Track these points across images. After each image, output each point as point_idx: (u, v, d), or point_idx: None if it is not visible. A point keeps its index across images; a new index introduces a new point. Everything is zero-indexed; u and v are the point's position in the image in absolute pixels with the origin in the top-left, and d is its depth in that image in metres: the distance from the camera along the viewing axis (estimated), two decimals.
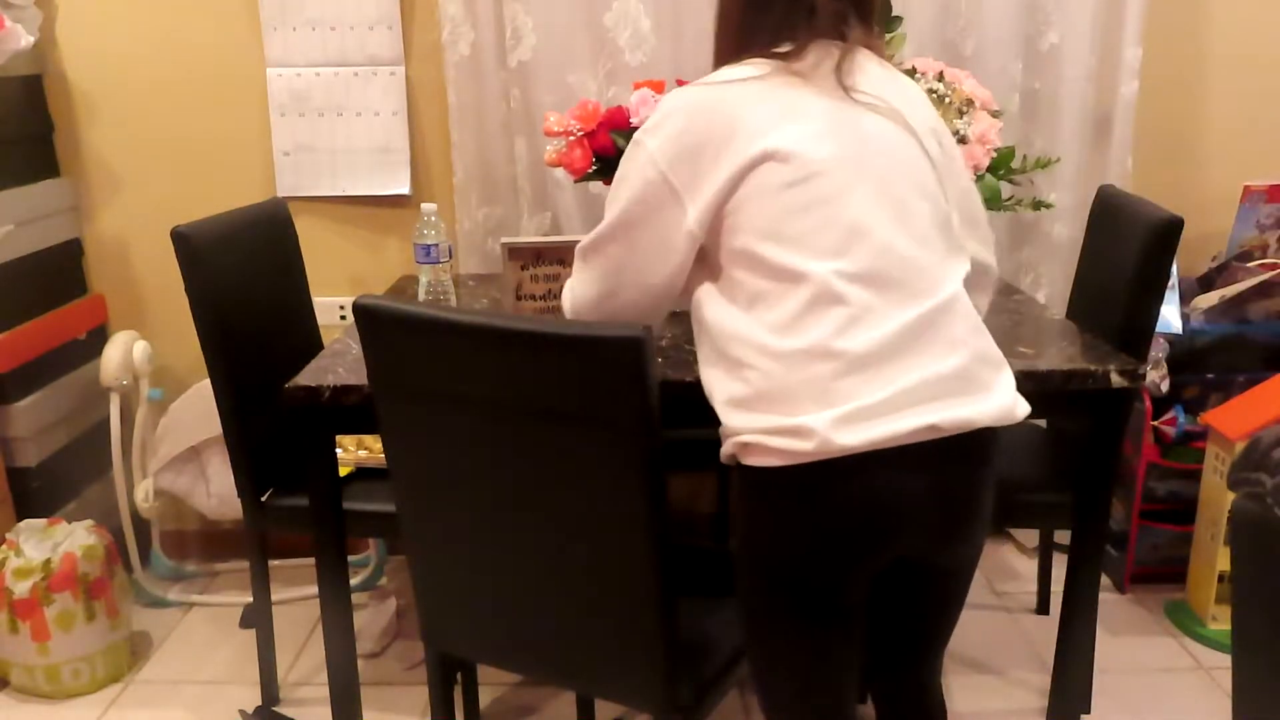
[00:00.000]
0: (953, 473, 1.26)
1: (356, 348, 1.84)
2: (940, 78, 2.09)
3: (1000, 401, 1.26)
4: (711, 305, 1.28)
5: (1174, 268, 2.27)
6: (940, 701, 1.52)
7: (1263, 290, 2.40)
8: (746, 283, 1.24)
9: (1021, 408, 1.29)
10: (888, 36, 2.06)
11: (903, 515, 1.25)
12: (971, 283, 1.33)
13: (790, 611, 1.31)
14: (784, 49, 1.27)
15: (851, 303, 1.20)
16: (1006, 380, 1.29)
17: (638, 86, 1.98)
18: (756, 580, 1.32)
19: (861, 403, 1.19)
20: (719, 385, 1.27)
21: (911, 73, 1.96)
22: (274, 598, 2.25)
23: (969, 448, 1.25)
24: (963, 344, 1.24)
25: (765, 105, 1.24)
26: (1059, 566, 2.03)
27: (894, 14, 2.11)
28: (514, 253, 1.95)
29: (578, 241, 1.97)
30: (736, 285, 1.25)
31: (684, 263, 1.29)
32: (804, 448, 1.19)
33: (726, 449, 1.28)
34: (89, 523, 2.29)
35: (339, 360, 1.80)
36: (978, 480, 1.29)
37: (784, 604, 1.31)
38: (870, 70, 1.29)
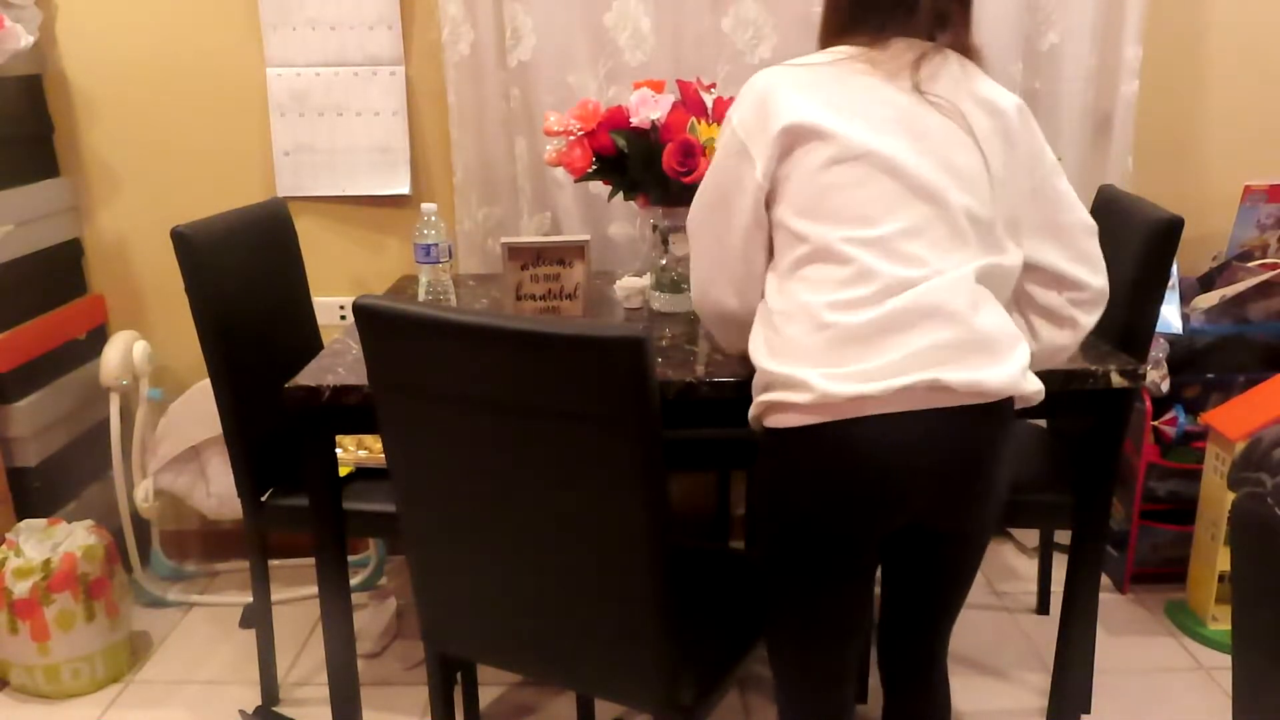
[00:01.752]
0: (963, 441, 1.31)
1: (356, 348, 1.84)
2: None
3: (1009, 371, 1.31)
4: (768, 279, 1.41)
5: (1174, 268, 2.27)
6: (945, 680, 1.56)
7: (1263, 290, 2.40)
8: (783, 251, 1.36)
9: (1032, 383, 1.35)
10: None
11: (911, 480, 1.31)
12: (1028, 285, 1.45)
13: (800, 569, 1.39)
14: (877, 40, 1.36)
15: (856, 265, 1.29)
16: (1018, 355, 1.33)
17: (638, 86, 1.98)
18: (771, 537, 1.40)
19: (864, 366, 1.27)
20: (753, 346, 1.38)
21: None
22: (274, 598, 2.25)
23: (980, 417, 1.31)
24: (964, 319, 1.29)
25: (827, 92, 1.34)
26: (1059, 567, 2.03)
27: None
28: (514, 253, 1.95)
29: (578, 241, 1.98)
30: (777, 254, 1.38)
31: (756, 218, 1.38)
32: (801, 400, 1.28)
33: (752, 412, 1.39)
34: (89, 523, 2.29)
35: (339, 360, 1.80)
36: (989, 450, 1.34)
37: (794, 561, 1.39)
38: (948, 72, 1.36)
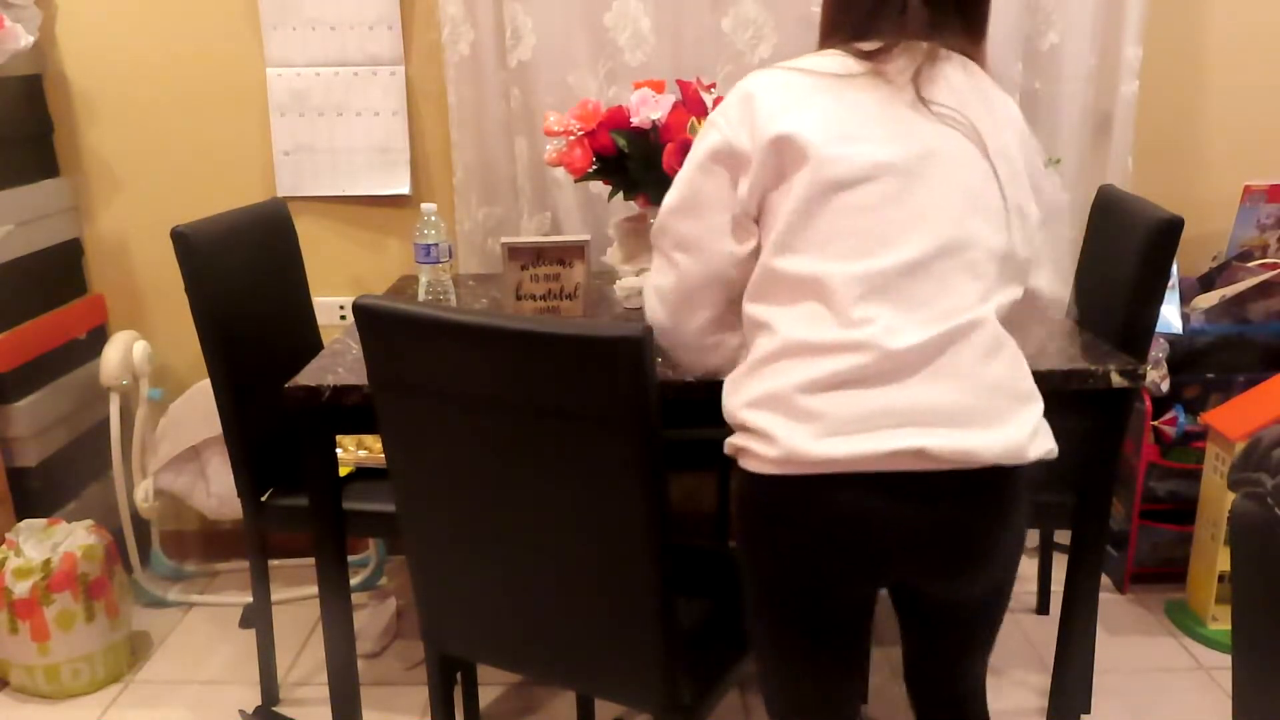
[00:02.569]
0: (953, 509, 1.19)
1: (356, 348, 1.84)
2: None
3: (1012, 436, 1.18)
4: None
5: (1174, 268, 2.27)
6: (981, 712, 1.46)
7: (1263, 290, 2.40)
8: (762, 288, 1.25)
9: (1037, 447, 1.21)
10: None
11: (890, 545, 1.21)
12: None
13: (779, 619, 1.31)
14: (870, 46, 1.24)
15: (853, 316, 1.17)
16: (1028, 416, 1.21)
17: (638, 86, 1.98)
18: (750, 582, 1.33)
19: (838, 416, 1.16)
20: (732, 392, 1.27)
21: None
22: (274, 598, 2.25)
23: (975, 484, 1.18)
24: (970, 375, 1.18)
25: (824, 107, 1.21)
26: (1059, 567, 2.03)
27: None
28: (514, 253, 1.95)
29: (578, 241, 1.97)
30: (754, 286, 1.26)
31: (737, 237, 1.26)
32: (770, 454, 1.18)
33: (726, 449, 1.29)
34: (89, 523, 2.29)
35: (339, 360, 1.80)
36: (986, 520, 1.21)
37: (772, 611, 1.31)
38: (953, 80, 1.24)
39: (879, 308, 1.17)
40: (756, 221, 1.26)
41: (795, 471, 1.17)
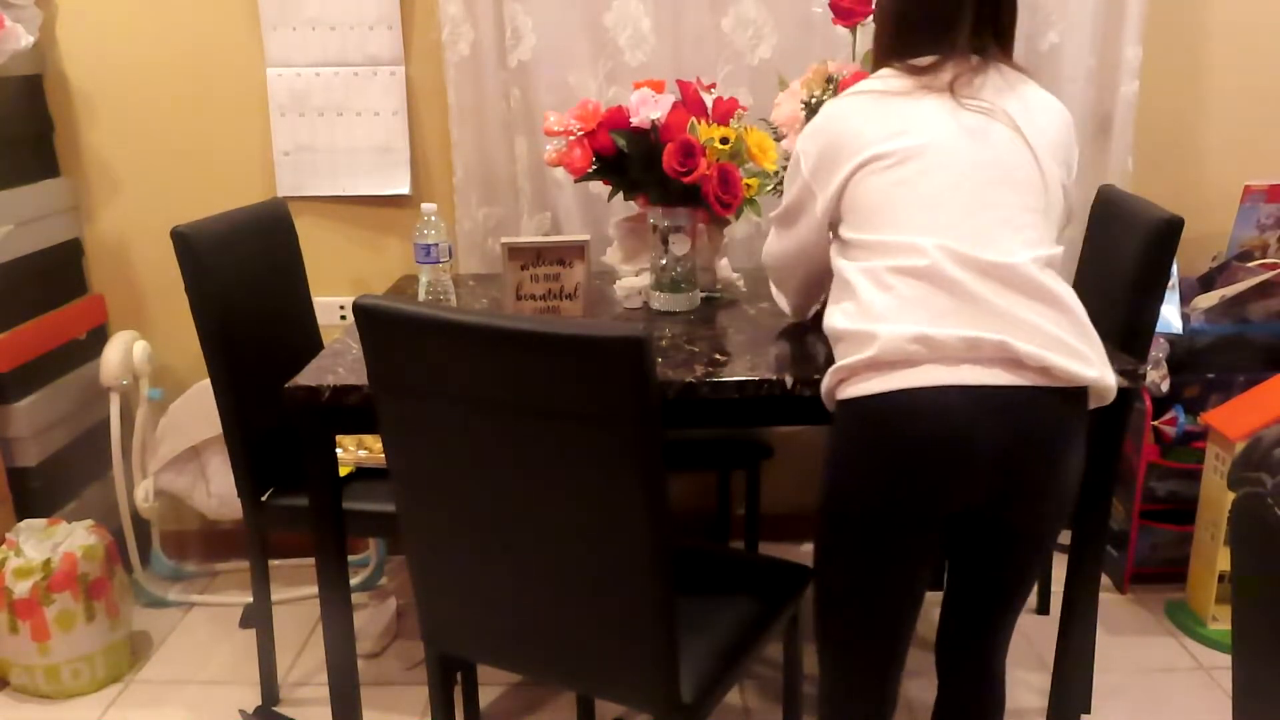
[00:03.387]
0: (1028, 426, 1.32)
1: (356, 348, 1.84)
2: None
3: (1079, 361, 1.32)
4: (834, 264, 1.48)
5: (1174, 268, 2.27)
6: (999, 682, 1.56)
7: (1263, 290, 2.40)
8: (845, 257, 1.43)
9: (1111, 377, 1.35)
10: None
11: (973, 458, 1.32)
12: None
13: (856, 546, 1.41)
14: (924, 63, 1.43)
15: (922, 271, 1.33)
16: (1091, 355, 1.34)
17: (638, 86, 1.98)
18: (831, 512, 1.43)
19: (931, 315, 1.32)
20: (828, 318, 1.43)
21: None
22: (274, 598, 2.25)
23: (1052, 400, 1.32)
24: (1034, 303, 1.32)
25: (880, 119, 1.41)
26: (1059, 566, 2.03)
27: None
28: (514, 253, 1.95)
29: (578, 241, 1.98)
30: (841, 250, 1.45)
31: (822, 236, 1.51)
32: (867, 354, 1.32)
33: (825, 384, 1.43)
34: (89, 523, 2.29)
35: (339, 360, 1.80)
36: (1055, 439, 1.34)
37: (851, 538, 1.41)
38: (990, 83, 1.43)
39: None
40: None
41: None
